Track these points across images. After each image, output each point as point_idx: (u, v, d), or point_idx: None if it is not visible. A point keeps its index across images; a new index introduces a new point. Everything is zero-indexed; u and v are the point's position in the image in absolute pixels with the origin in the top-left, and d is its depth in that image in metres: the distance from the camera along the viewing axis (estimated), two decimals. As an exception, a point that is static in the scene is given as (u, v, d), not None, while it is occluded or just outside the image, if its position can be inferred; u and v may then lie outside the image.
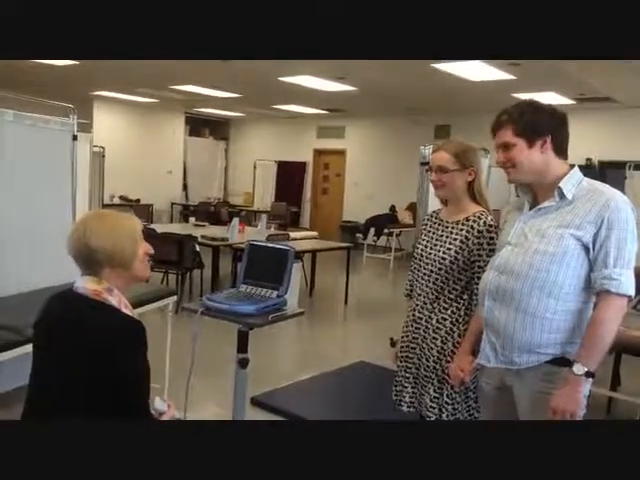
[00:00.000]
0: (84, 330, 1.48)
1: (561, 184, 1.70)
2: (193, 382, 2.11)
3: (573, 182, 1.72)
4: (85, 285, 1.53)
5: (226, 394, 2.40)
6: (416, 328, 2.20)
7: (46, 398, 1.51)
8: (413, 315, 2.22)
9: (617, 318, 1.62)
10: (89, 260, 1.52)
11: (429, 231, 2.23)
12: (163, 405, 1.66)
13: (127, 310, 1.55)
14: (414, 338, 2.21)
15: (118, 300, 1.54)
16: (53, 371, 1.51)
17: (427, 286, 2.16)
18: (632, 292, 1.63)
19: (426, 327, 2.16)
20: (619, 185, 6.61)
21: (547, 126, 1.74)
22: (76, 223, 1.57)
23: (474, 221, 2.09)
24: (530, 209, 1.78)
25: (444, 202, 2.23)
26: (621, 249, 1.61)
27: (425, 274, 2.16)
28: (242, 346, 2.13)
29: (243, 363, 2.13)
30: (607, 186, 1.72)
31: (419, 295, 2.20)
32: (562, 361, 1.68)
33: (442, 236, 2.16)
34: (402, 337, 2.28)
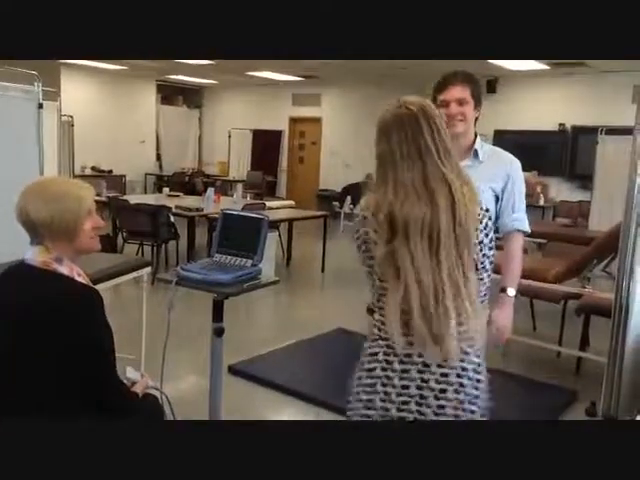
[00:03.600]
0: (37, 302, 1.46)
1: (477, 147, 2.08)
2: (170, 352, 2.11)
3: (482, 146, 2.10)
4: (34, 257, 1.51)
5: (204, 363, 2.41)
6: None
7: (10, 375, 1.49)
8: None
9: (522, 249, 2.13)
10: (31, 230, 1.50)
11: None
12: (136, 374, 1.66)
13: (80, 278, 1.53)
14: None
15: (69, 269, 1.51)
16: (13, 348, 1.48)
17: None
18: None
19: None
20: (591, 149, 6.69)
21: (481, 101, 2.06)
22: (21, 192, 1.52)
23: None
24: None
25: None
26: (521, 198, 2.08)
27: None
28: (217, 315, 2.13)
29: (219, 332, 2.13)
30: (501, 149, 2.14)
31: None
32: None
33: None
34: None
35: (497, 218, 2.09)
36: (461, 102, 2.01)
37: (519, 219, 2.09)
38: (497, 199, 2.07)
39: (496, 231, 2.13)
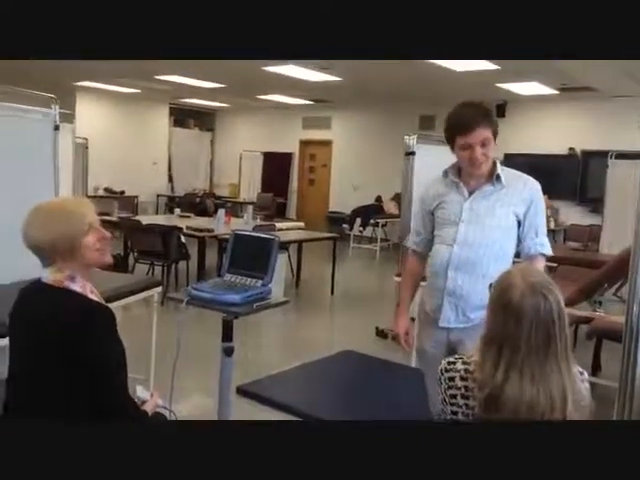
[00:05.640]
0: (51, 318, 1.48)
1: (498, 171, 2.06)
2: (179, 372, 2.12)
3: (502, 170, 2.08)
4: (48, 275, 1.53)
5: (212, 383, 2.41)
6: None
7: (24, 389, 1.51)
8: None
9: None
10: (39, 254, 1.52)
11: None
12: (145, 393, 1.67)
13: (93, 296, 1.55)
14: None
15: (82, 286, 1.53)
16: (27, 362, 1.50)
17: None
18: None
19: None
20: (601, 173, 6.67)
21: (498, 131, 2.03)
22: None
23: None
24: (470, 192, 2.08)
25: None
26: (543, 222, 2.11)
27: None
28: (227, 335, 2.14)
29: (228, 351, 2.14)
30: (521, 173, 2.15)
31: None
32: None
33: None
34: None
35: (519, 241, 2.08)
36: (484, 143, 1.98)
37: (542, 243, 2.09)
38: (519, 223, 2.06)
39: (517, 255, 2.13)
